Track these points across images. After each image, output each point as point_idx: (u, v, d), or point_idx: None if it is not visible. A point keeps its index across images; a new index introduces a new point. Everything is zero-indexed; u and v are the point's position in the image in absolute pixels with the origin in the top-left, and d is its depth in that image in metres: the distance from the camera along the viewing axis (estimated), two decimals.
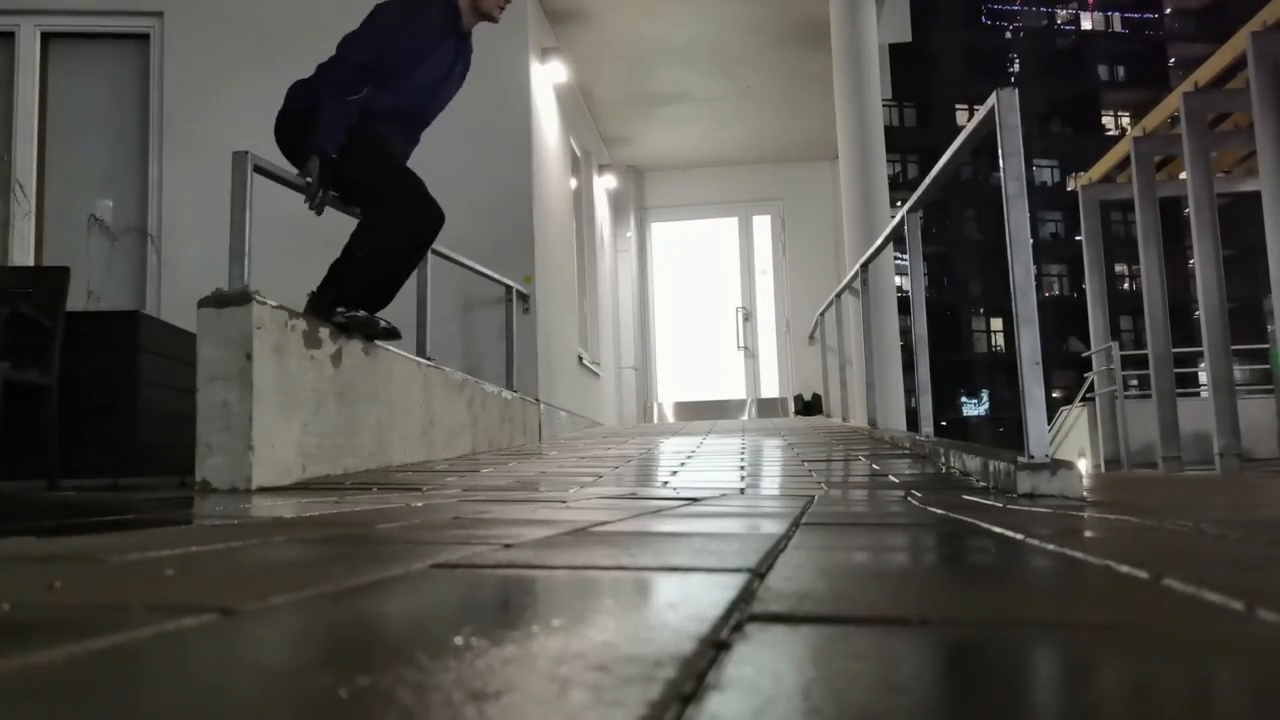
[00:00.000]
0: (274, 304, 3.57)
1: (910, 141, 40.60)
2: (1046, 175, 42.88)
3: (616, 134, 10.95)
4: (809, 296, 10.88)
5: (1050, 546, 1.48)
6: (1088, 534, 1.78)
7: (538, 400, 6.92)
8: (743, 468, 4.33)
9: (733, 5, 8.16)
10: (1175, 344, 9.56)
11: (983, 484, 3.28)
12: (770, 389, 12.07)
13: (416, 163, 6.72)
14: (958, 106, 42.01)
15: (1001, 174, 3.07)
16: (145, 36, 6.80)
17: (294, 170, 4.08)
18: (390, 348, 4.54)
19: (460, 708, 0.54)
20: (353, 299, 4.00)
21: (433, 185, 6.61)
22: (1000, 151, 3.05)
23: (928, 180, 4.16)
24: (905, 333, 6.40)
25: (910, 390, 5.74)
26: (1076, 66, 44.28)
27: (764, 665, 0.67)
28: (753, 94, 9.99)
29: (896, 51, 9.90)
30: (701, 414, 11.46)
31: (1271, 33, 7.45)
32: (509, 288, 6.48)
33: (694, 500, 2.60)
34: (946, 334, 39.10)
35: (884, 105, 8.20)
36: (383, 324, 4.11)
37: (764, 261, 12.16)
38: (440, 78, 4.33)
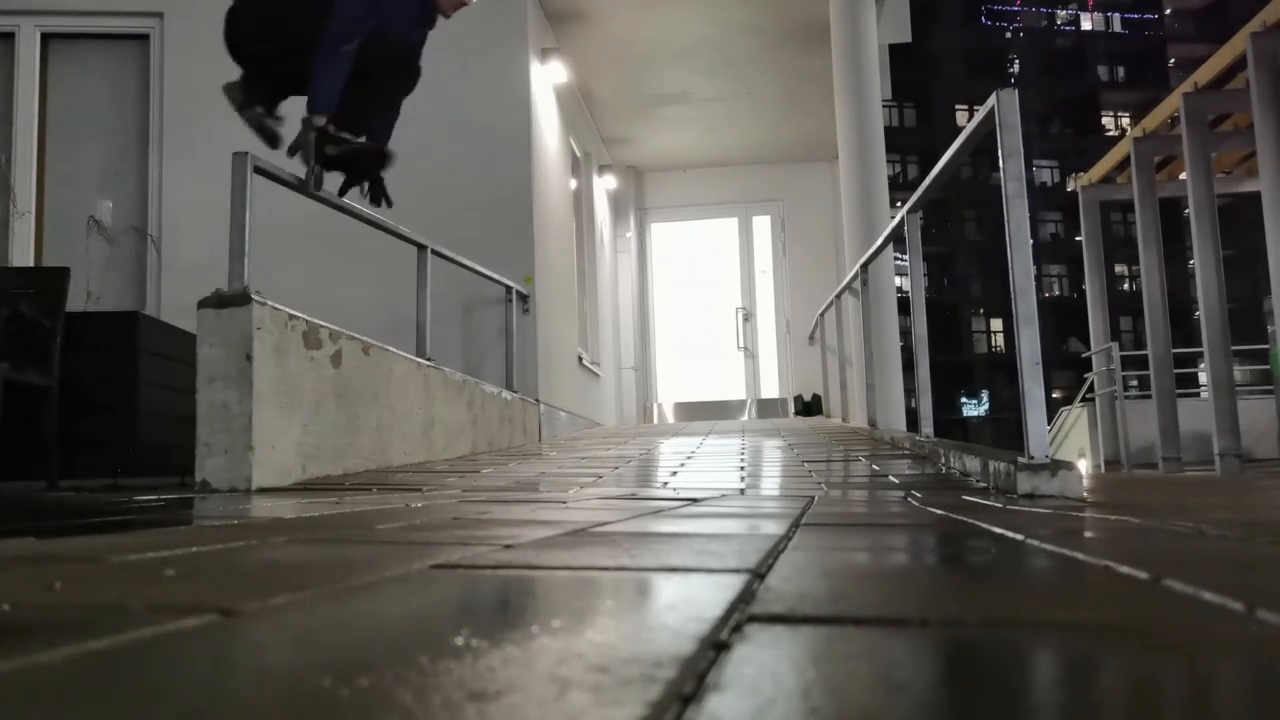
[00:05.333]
0: (274, 304, 3.57)
1: (910, 141, 40.60)
2: (1046, 176, 42.87)
3: (616, 134, 10.95)
4: (809, 296, 10.88)
5: (1050, 547, 1.48)
6: (1088, 534, 1.78)
7: (538, 401, 6.92)
8: (743, 468, 4.33)
9: (733, 6, 8.16)
10: (1175, 344, 9.55)
11: (983, 484, 3.28)
12: (770, 389, 12.07)
13: (415, 164, 6.73)
14: (958, 107, 42.00)
15: (1001, 174, 3.07)
16: (145, 37, 6.80)
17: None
18: (391, 348, 4.54)
19: (460, 708, 0.54)
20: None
21: (433, 185, 6.64)
22: (1000, 152, 3.05)
23: (928, 180, 4.16)
24: (905, 333, 6.40)
25: (910, 390, 5.74)
26: (1076, 67, 44.27)
27: (764, 666, 0.67)
28: (753, 95, 9.99)
29: (896, 52, 9.89)
30: (701, 414, 11.46)
31: (1271, 33, 7.45)
32: (509, 288, 6.48)
33: (694, 501, 2.60)
34: (946, 334, 39.09)
35: (884, 105, 8.20)
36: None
37: (764, 262, 12.15)
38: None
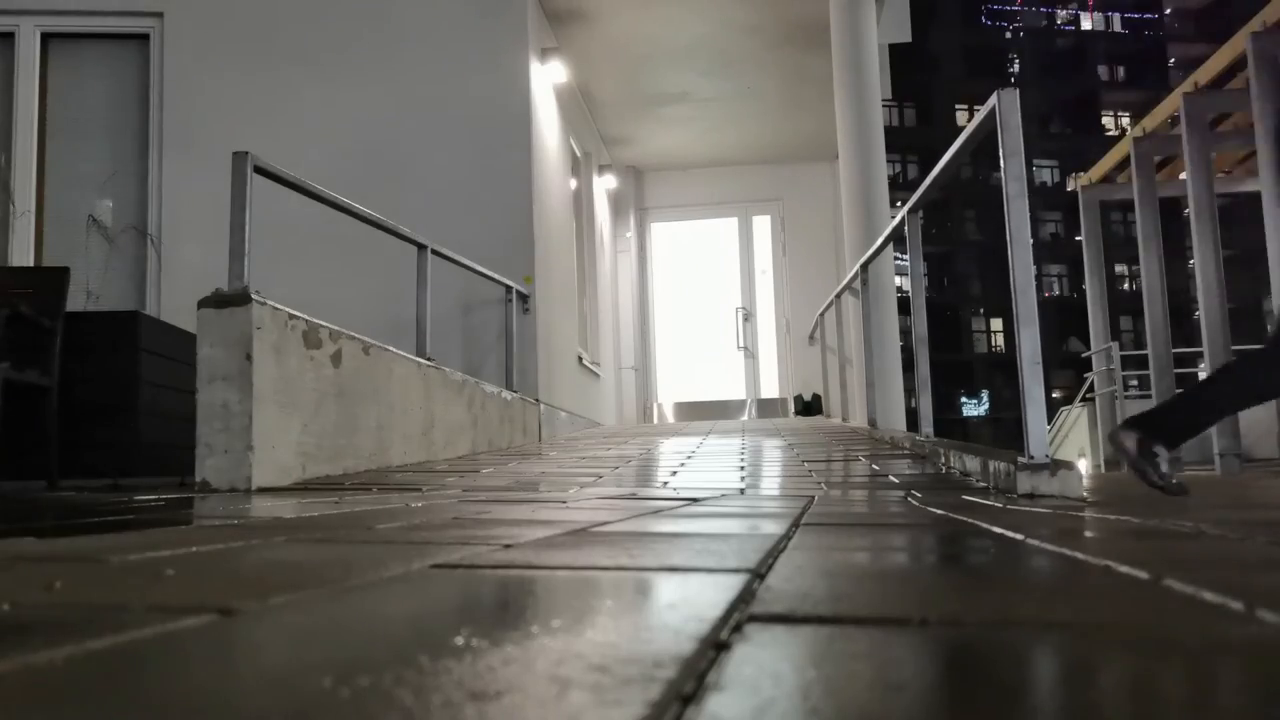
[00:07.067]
0: (274, 304, 3.57)
1: (910, 141, 40.59)
2: (1046, 175, 42.89)
3: (616, 134, 10.95)
4: (809, 296, 10.88)
5: (1050, 547, 1.48)
6: (1088, 534, 1.78)
7: (538, 400, 6.92)
8: (743, 468, 4.33)
9: (733, 6, 8.16)
10: (1175, 344, 9.54)
11: (983, 484, 3.28)
12: (770, 389, 12.07)
13: (415, 164, 6.74)
14: (958, 106, 42.02)
15: (1002, 174, 3.07)
16: (145, 36, 6.81)
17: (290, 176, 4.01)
18: (391, 348, 4.54)
19: (460, 708, 0.54)
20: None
21: (433, 186, 6.65)
22: (1000, 152, 3.05)
23: (928, 180, 4.16)
24: (905, 333, 6.40)
25: (910, 390, 5.74)
26: (1076, 66, 44.27)
27: (764, 665, 0.67)
28: (753, 94, 9.99)
29: (896, 51, 9.89)
30: (701, 414, 11.46)
31: (1271, 33, 7.44)
32: (509, 288, 6.48)
33: (694, 501, 2.60)
34: (946, 334, 39.09)
35: (884, 105, 8.20)
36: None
37: (764, 261, 12.15)
38: None
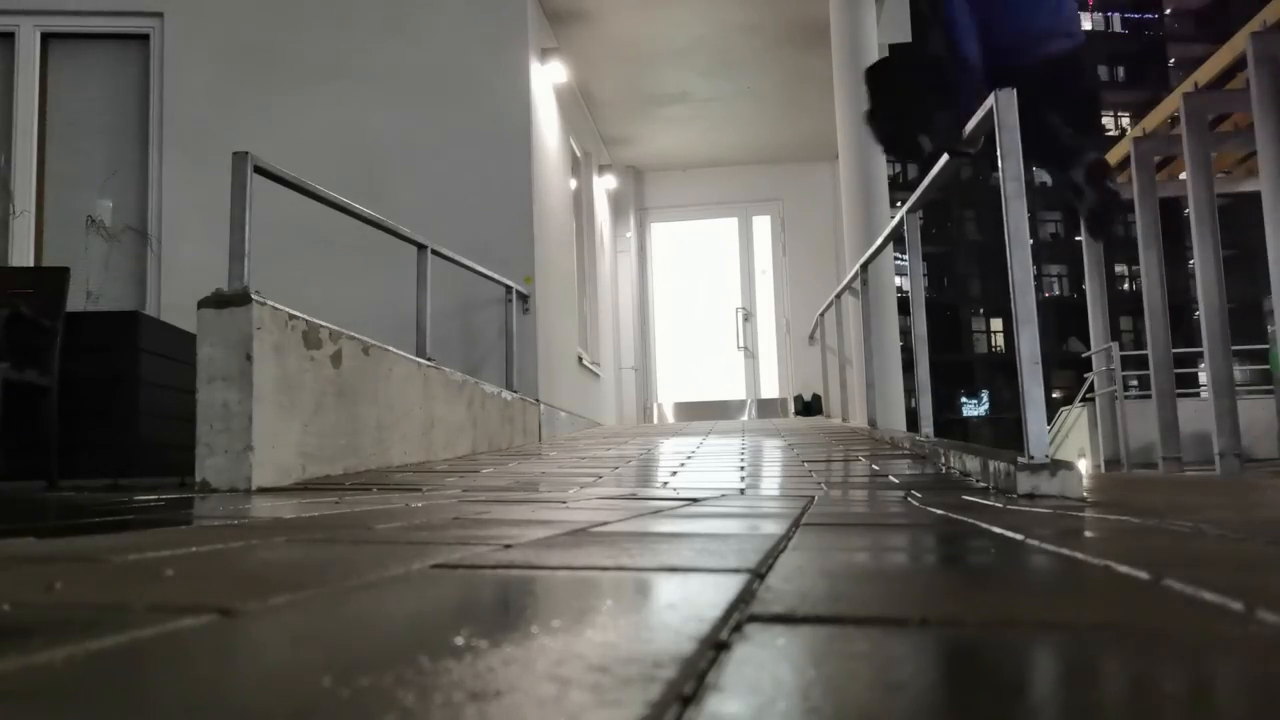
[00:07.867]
0: (274, 304, 3.57)
1: None
2: (1046, 175, 42.86)
3: (616, 134, 10.95)
4: (809, 296, 10.87)
5: (1050, 547, 1.48)
6: (1088, 534, 1.79)
7: (538, 401, 6.91)
8: (743, 468, 4.33)
9: (733, 6, 8.16)
10: (1175, 344, 9.54)
11: (983, 484, 3.28)
12: (770, 389, 12.06)
13: (415, 164, 6.74)
14: None
15: (1000, 174, 3.07)
16: (145, 37, 6.80)
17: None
18: (391, 348, 4.54)
19: (460, 708, 0.54)
20: None
21: (433, 186, 6.65)
22: (999, 152, 3.05)
23: (927, 180, 4.16)
24: (905, 333, 6.40)
25: (910, 390, 5.74)
26: None
27: (764, 666, 0.67)
28: (753, 94, 9.99)
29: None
30: (701, 414, 11.45)
31: (1271, 33, 7.45)
32: (509, 288, 6.48)
33: (694, 501, 2.60)
34: (946, 334, 39.09)
35: None
36: None
37: (764, 261, 12.15)
38: None
